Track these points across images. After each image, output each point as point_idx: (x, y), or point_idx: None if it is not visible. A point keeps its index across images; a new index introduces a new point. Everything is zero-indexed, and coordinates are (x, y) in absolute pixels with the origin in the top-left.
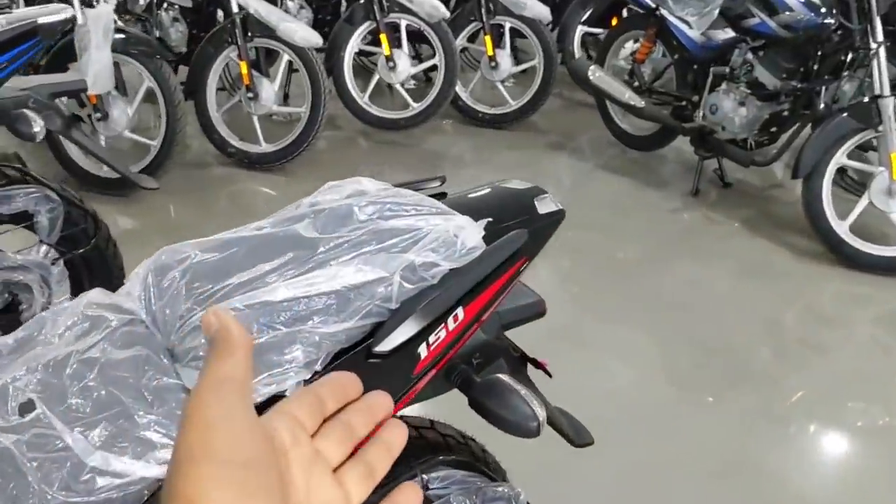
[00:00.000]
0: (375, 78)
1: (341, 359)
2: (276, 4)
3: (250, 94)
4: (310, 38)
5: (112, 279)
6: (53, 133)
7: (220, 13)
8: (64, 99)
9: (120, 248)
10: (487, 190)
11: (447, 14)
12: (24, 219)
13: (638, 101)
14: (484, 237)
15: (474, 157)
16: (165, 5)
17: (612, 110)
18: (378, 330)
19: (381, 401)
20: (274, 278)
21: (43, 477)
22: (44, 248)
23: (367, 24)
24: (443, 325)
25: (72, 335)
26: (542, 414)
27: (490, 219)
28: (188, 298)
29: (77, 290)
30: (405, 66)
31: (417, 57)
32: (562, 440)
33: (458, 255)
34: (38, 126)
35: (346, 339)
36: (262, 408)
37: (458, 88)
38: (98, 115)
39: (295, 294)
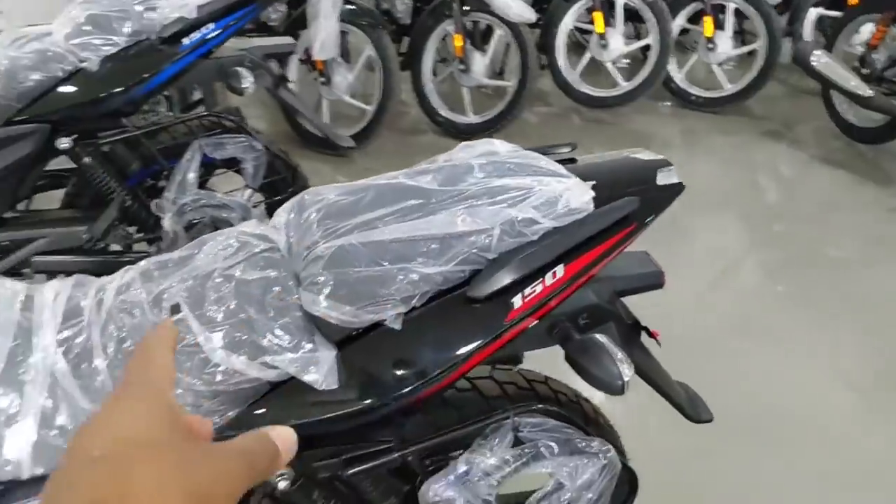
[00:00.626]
0: (587, 55)
1: (439, 299)
2: None
3: (462, 67)
4: (523, 13)
5: None
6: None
7: None
8: (294, 64)
9: None
10: (613, 158)
11: None
12: (233, 164)
13: (864, 90)
14: (595, 201)
15: (683, 140)
16: None
17: (836, 99)
18: (474, 276)
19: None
20: (389, 221)
21: (179, 363)
22: (248, 191)
23: (583, 1)
24: (540, 279)
25: (221, 255)
26: (627, 374)
27: (597, 182)
28: (317, 232)
29: None
30: (617, 44)
31: (636, 35)
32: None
33: (560, 215)
34: (248, 82)
35: (444, 282)
36: (358, 336)
37: (672, 69)
38: (322, 79)
39: (402, 236)
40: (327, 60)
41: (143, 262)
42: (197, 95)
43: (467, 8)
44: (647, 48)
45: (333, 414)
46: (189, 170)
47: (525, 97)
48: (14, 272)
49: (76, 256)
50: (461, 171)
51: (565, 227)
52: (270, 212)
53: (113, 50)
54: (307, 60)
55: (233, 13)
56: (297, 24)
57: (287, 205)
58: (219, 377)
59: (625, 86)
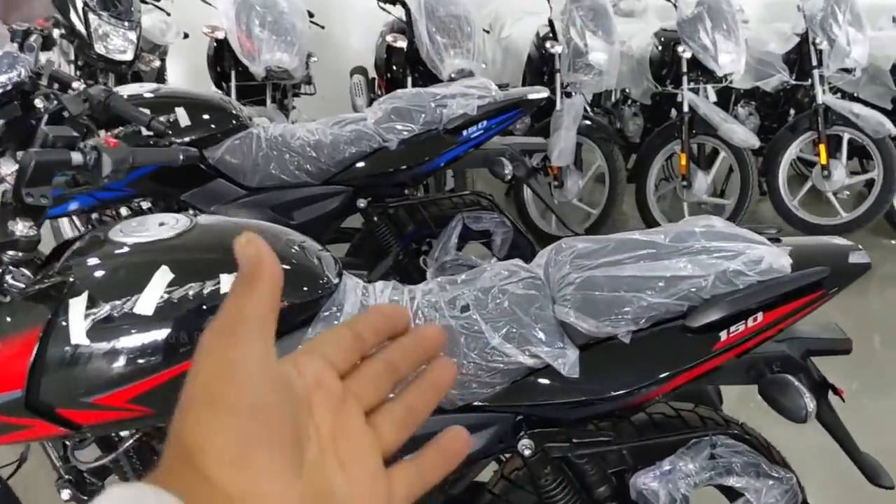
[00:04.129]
0: (808, 184)
1: (661, 325)
2: (727, 110)
3: (685, 183)
4: (748, 139)
5: None
6: (518, 180)
7: (673, 111)
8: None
9: None
10: (813, 239)
11: (894, 131)
12: (485, 236)
13: None
14: (792, 266)
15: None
16: (629, 102)
17: None
18: (691, 310)
19: (431, 334)
20: (627, 262)
21: (467, 344)
22: (493, 260)
23: (808, 133)
24: (743, 320)
25: (498, 277)
26: (811, 406)
27: (795, 252)
28: (569, 267)
29: None
30: (840, 176)
31: (862, 170)
32: None
33: (763, 272)
34: (507, 170)
35: (666, 312)
36: (596, 343)
37: None
38: (556, 182)
39: (636, 273)
40: (562, 167)
41: (440, 278)
42: (450, 184)
43: (695, 131)
44: (870, 181)
45: (571, 399)
46: (453, 235)
47: (743, 216)
48: None
49: None
50: (686, 233)
51: (767, 282)
52: None
53: (408, 135)
54: (543, 167)
55: (503, 114)
56: (538, 134)
57: (546, 249)
58: (495, 358)
59: (845, 216)
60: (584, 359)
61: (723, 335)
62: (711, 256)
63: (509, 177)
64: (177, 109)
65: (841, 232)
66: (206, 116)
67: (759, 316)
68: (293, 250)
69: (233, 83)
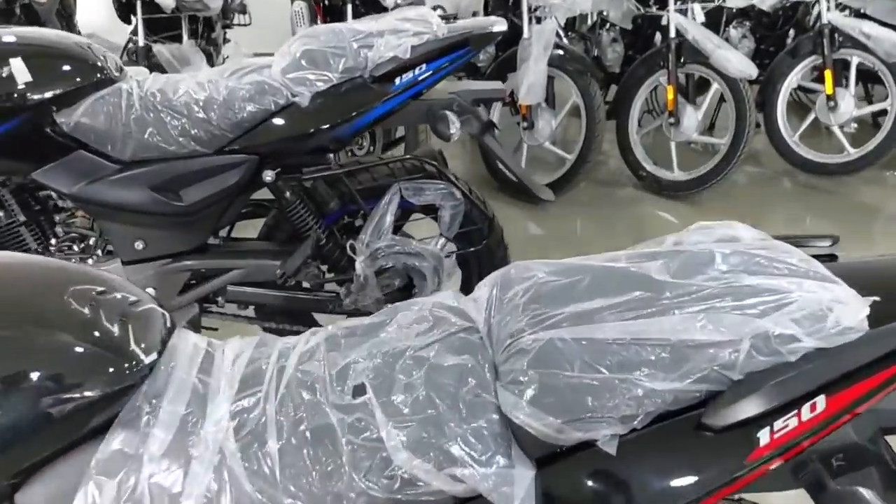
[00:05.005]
0: (811, 117)
1: (664, 422)
2: (718, 32)
3: (672, 120)
4: (744, 68)
5: None
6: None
7: (657, 37)
8: (497, 107)
9: (515, 250)
10: (888, 262)
11: None
12: (430, 210)
13: None
14: (869, 318)
15: None
16: (607, 27)
17: None
18: (713, 399)
19: None
20: (610, 315)
21: (353, 461)
22: (441, 240)
23: (811, 58)
24: (795, 411)
25: (414, 331)
26: None
27: (879, 298)
28: (522, 317)
29: (466, 284)
30: (848, 107)
31: (867, 98)
32: None
33: (828, 334)
34: (454, 128)
35: (674, 402)
36: (562, 454)
37: None
38: (525, 123)
39: (625, 336)
40: (532, 105)
41: (330, 327)
42: (401, 132)
43: (683, 59)
44: (881, 112)
45: None
46: (387, 213)
47: (738, 157)
48: (209, 299)
49: (268, 290)
50: (699, 261)
51: (833, 350)
52: (463, 264)
53: (324, 86)
54: (511, 103)
55: (446, 55)
56: (504, 66)
57: (490, 278)
58: (398, 484)
59: (852, 152)
60: (545, 481)
61: (763, 436)
62: (743, 306)
63: (457, 135)
64: (11, 61)
65: (848, 171)
66: (54, 68)
67: (821, 402)
68: (69, 318)
69: (139, 15)
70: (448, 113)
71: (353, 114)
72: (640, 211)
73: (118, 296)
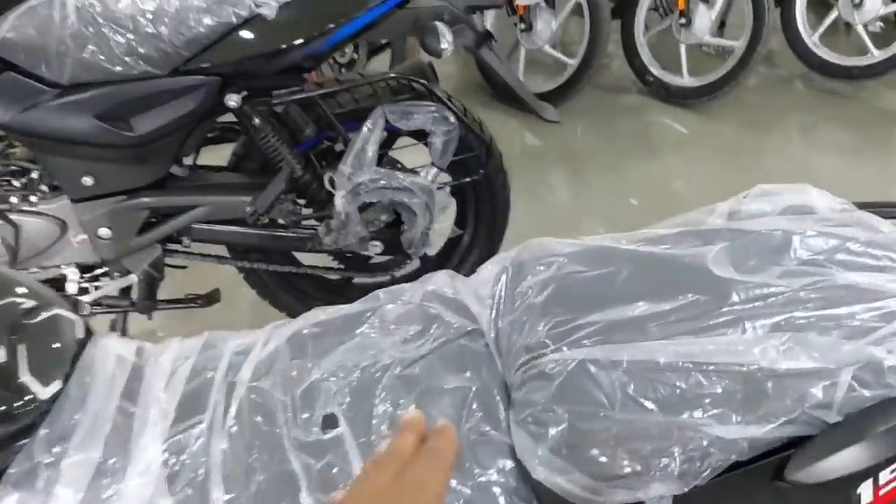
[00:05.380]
0: (833, 15)
1: (733, 472)
2: None
3: (682, 20)
4: None
5: (496, 212)
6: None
7: None
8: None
9: (514, 167)
10: None
11: None
12: (420, 136)
13: None
14: None
15: None
16: None
17: None
18: (800, 445)
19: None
20: (658, 327)
21: None
22: (434, 171)
23: None
24: None
25: (400, 334)
26: None
27: None
28: (542, 323)
29: (460, 218)
30: (875, 4)
31: None
32: None
33: None
34: (446, 42)
35: (749, 450)
36: None
37: None
38: (522, 25)
39: (683, 359)
40: (530, 5)
41: (299, 320)
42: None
43: None
44: None
45: None
46: (369, 141)
47: (753, 61)
48: (173, 239)
49: (238, 228)
50: (771, 245)
51: None
52: (457, 195)
53: None
54: (507, 4)
55: None
56: None
57: (497, 261)
58: None
59: (877, 55)
60: None
61: (865, 492)
62: (839, 318)
63: (449, 51)
64: None
65: (871, 74)
66: None
67: None
68: None
69: None
70: (438, 24)
71: (330, 27)
72: (646, 120)
73: (6, 302)
